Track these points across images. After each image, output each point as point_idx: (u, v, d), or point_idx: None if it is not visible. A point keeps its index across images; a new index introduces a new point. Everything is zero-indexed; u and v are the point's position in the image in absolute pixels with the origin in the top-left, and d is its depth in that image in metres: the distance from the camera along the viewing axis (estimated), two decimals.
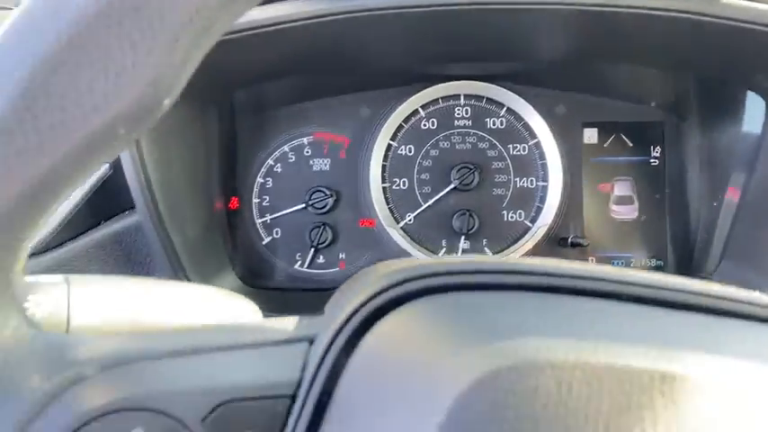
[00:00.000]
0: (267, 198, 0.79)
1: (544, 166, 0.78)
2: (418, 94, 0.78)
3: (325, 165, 0.79)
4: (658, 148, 0.79)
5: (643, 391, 0.20)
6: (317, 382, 0.24)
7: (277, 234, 0.79)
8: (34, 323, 0.25)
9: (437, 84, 0.78)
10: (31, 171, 0.21)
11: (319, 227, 0.77)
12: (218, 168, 0.73)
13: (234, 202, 0.78)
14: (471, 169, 0.77)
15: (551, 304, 0.25)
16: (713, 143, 0.74)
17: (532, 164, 0.78)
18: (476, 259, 0.28)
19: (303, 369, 0.25)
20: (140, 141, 0.54)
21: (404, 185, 0.79)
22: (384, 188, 0.78)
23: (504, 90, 0.78)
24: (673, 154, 0.78)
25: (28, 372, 0.24)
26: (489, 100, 0.79)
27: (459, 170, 0.77)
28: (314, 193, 0.77)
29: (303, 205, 0.78)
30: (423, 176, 0.79)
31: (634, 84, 0.78)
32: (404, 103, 0.78)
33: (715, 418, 0.20)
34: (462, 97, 0.79)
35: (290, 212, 0.78)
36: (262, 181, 0.78)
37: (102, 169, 0.59)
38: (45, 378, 0.24)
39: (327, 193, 0.77)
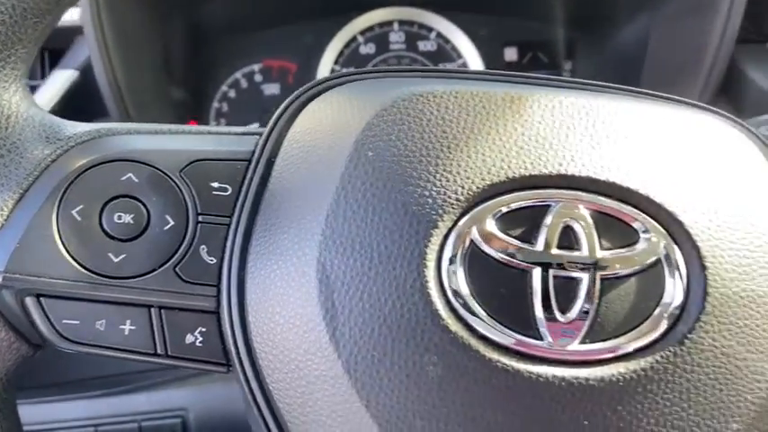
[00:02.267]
0: (223, 121, 0.86)
1: None
2: (356, 21, 0.87)
3: (276, 90, 0.87)
4: (570, 63, 0.89)
5: (497, 106, 0.29)
6: (265, 151, 0.32)
7: None
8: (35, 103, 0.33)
9: (373, 11, 0.87)
10: None
11: None
12: (183, 88, 0.81)
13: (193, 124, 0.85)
14: None
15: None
16: (615, 54, 0.84)
17: None
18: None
19: (256, 144, 0.33)
20: (108, 45, 0.61)
21: None
22: None
23: (434, 15, 0.87)
24: (583, 67, 0.88)
25: (29, 143, 0.31)
26: (421, 25, 0.88)
27: None
28: (264, 114, 0.86)
29: (257, 125, 0.86)
30: None
31: (547, 6, 0.89)
32: (343, 30, 0.86)
33: (562, 126, 0.29)
34: (396, 23, 0.88)
35: None
36: (217, 106, 0.86)
37: (71, 75, 0.65)
38: (44, 148, 0.31)
39: None
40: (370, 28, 0.87)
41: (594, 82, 0.33)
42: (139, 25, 0.67)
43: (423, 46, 0.88)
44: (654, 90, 0.34)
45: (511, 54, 0.89)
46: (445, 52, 0.88)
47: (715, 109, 0.34)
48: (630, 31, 0.78)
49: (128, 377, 0.61)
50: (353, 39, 0.87)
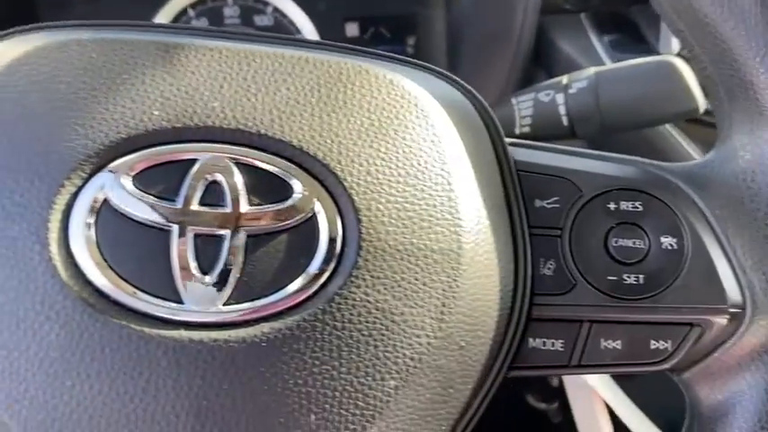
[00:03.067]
0: None
1: None
2: None
3: None
4: (414, 38, 0.89)
5: (147, 55, 0.27)
6: None
7: None
8: None
9: None
10: None
11: None
12: None
13: None
14: None
15: None
16: (452, 29, 0.84)
17: None
18: None
19: None
20: None
21: None
22: None
23: None
24: (424, 42, 0.88)
25: None
26: None
27: None
28: None
29: None
30: None
31: None
32: (170, 4, 0.83)
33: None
34: None
35: None
36: None
37: None
38: None
39: None
40: (202, 1, 0.84)
41: (293, 37, 0.31)
42: None
43: (259, 21, 0.85)
44: (473, 61, 0.33)
45: (352, 29, 0.88)
46: (283, 27, 0.85)
47: (439, 70, 0.34)
48: (464, 5, 0.78)
49: None
50: (184, 12, 0.83)
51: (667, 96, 0.47)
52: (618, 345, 0.31)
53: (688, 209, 0.32)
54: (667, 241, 0.31)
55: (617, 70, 0.48)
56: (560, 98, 0.48)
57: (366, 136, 0.27)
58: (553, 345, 0.31)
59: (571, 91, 0.48)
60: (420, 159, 0.28)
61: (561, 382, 0.75)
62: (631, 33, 0.69)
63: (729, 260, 0.31)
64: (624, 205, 0.32)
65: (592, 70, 0.49)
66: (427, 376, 0.27)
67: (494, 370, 0.30)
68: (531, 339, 0.31)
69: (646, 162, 0.34)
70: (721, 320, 0.31)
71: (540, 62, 0.68)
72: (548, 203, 0.32)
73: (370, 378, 0.26)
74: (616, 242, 0.31)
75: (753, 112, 0.32)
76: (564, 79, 0.49)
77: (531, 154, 0.34)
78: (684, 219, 0.31)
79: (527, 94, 0.50)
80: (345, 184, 0.26)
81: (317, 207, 0.26)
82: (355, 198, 0.26)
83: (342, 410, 0.25)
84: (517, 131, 0.50)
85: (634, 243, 0.31)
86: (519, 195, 0.32)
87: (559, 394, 0.77)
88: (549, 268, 0.32)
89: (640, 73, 0.47)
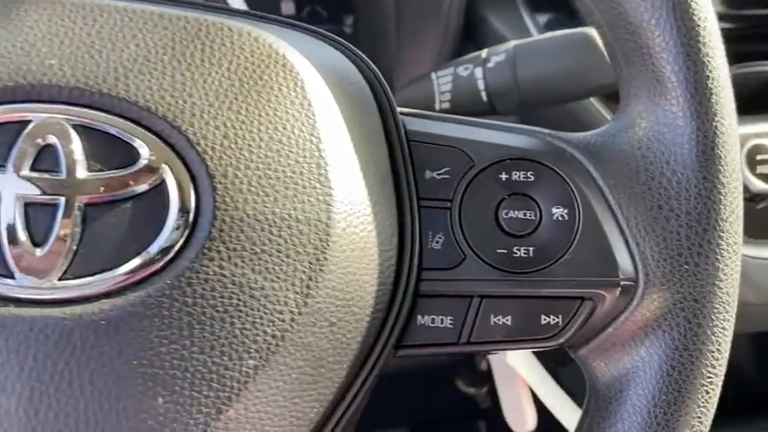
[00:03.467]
0: None
1: None
2: None
3: None
4: (351, 17, 0.87)
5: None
6: None
7: None
8: None
9: None
10: None
11: None
12: None
13: None
14: None
15: None
16: (388, 7, 0.82)
17: None
18: None
19: None
20: None
21: None
22: None
23: None
24: (361, 21, 0.86)
25: None
26: None
27: None
28: None
29: None
30: None
31: None
32: None
33: None
34: None
35: None
36: None
37: None
38: None
39: None
40: None
41: None
42: None
43: None
44: (408, 38, 0.31)
45: (288, 7, 0.85)
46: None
47: (327, 34, 0.32)
48: None
49: None
50: None
51: (587, 69, 0.46)
52: (508, 320, 0.30)
53: (581, 179, 0.30)
54: (558, 212, 0.30)
55: (535, 43, 0.47)
56: (479, 72, 0.47)
57: (225, 97, 0.25)
58: (442, 322, 0.30)
59: (489, 65, 0.47)
60: (286, 123, 0.26)
61: (489, 365, 0.74)
62: (566, 12, 0.68)
63: (622, 231, 0.30)
64: (516, 175, 0.30)
65: (511, 44, 0.47)
66: (292, 355, 0.25)
67: (376, 348, 0.29)
68: (419, 317, 0.30)
69: (544, 132, 0.32)
70: (613, 294, 0.29)
71: (473, 39, 0.66)
72: (438, 174, 0.31)
73: (225, 358, 0.24)
74: (507, 214, 0.30)
75: (649, 79, 0.30)
76: (483, 53, 0.48)
77: (424, 124, 0.32)
78: (577, 189, 0.30)
79: (447, 68, 0.49)
80: (198, 148, 0.24)
81: (167, 173, 0.24)
82: (209, 164, 0.24)
83: (194, 393, 0.23)
84: (437, 108, 0.49)
85: (525, 214, 0.30)
86: (408, 166, 0.30)
87: (489, 378, 0.76)
88: (437, 242, 0.30)
89: (558, 45, 0.46)
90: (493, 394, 0.75)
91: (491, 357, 0.70)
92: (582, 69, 0.46)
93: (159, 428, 0.23)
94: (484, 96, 0.47)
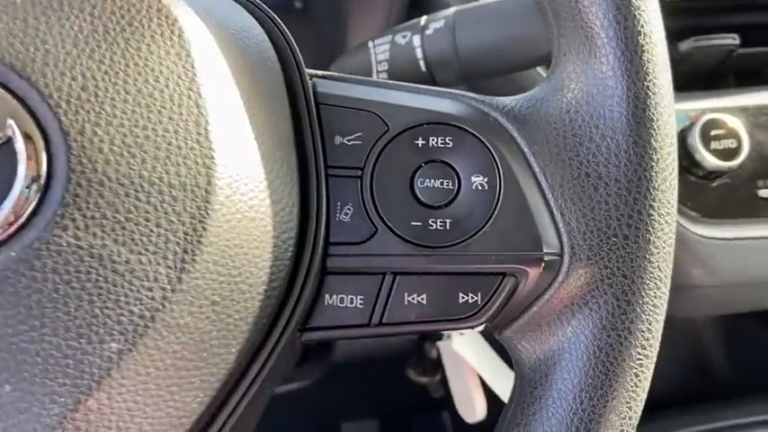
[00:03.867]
0: None
1: None
2: None
3: None
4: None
5: None
6: None
7: None
8: None
9: None
10: None
11: None
12: None
13: None
14: None
15: None
16: None
17: None
18: None
19: None
20: None
21: None
22: None
23: None
24: (318, 3, 0.83)
25: None
26: None
27: None
28: None
29: None
30: None
31: None
32: None
33: None
34: None
35: None
36: None
37: None
38: None
39: None
40: None
41: None
42: None
43: None
44: (357, 7, 0.28)
45: None
46: None
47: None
48: None
49: None
50: None
51: (531, 37, 0.43)
52: (423, 299, 0.27)
53: (504, 145, 0.28)
54: (478, 181, 0.27)
55: (477, 9, 0.44)
56: (417, 40, 0.44)
57: (85, 44, 0.22)
58: (352, 301, 0.27)
59: (428, 32, 0.44)
60: (160, 75, 0.23)
61: (439, 353, 0.72)
62: None
63: (547, 202, 0.27)
64: (433, 141, 0.28)
65: (452, 9, 0.45)
66: (165, 338, 0.22)
67: (275, 331, 0.26)
68: (327, 296, 0.27)
69: (467, 96, 0.30)
70: (537, 269, 0.27)
71: (419, 6, 0.64)
72: (349, 140, 0.28)
73: (83, 341, 0.21)
74: (422, 183, 0.27)
75: (579, 36, 0.28)
76: (422, 20, 0.45)
77: (336, 86, 0.29)
78: (499, 156, 0.28)
79: (385, 36, 0.46)
80: (51, 101, 0.21)
81: (13, 130, 0.21)
82: (63, 119, 0.21)
83: (47, 380, 0.20)
84: (375, 78, 0.46)
85: (442, 184, 0.27)
86: (315, 130, 0.28)
87: (440, 366, 0.74)
88: (346, 213, 0.27)
89: (501, 12, 0.43)
90: (446, 383, 0.73)
91: (440, 344, 0.68)
92: (526, 37, 0.43)
93: (5, 419, 0.20)
94: (422, 66, 0.44)
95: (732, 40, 0.53)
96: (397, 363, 0.82)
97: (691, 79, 0.55)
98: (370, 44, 0.46)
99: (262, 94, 0.26)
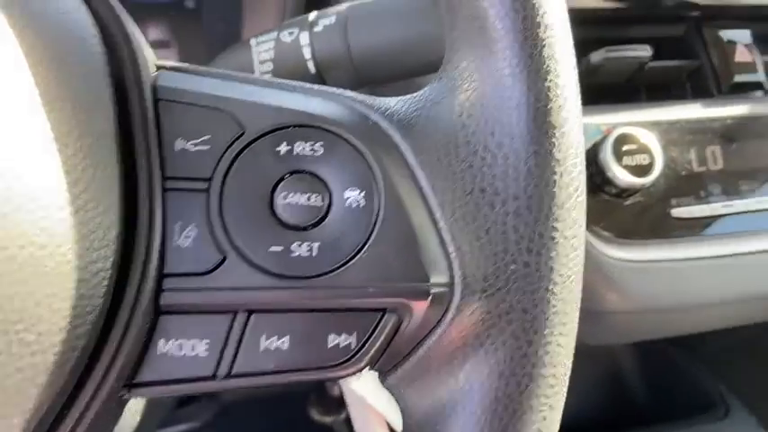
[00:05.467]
0: None
1: None
2: None
3: None
4: None
5: None
6: None
7: None
8: None
9: None
10: None
11: None
12: None
13: None
14: None
15: None
16: None
17: None
18: None
19: None
20: None
21: None
22: None
23: None
24: None
25: None
26: None
27: None
28: None
29: None
30: None
31: None
32: None
33: None
34: None
35: None
36: None
37: None
38: None
39: None
40: None
41: None
42: None
43: None
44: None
45: None
46: None
47: None
48: None
49: None
50: None
51: (433, 37, 0.39)
52: (284, 343, 0.22)
53: (385, 154, 0.23)
54: (353, 196, 0.22)
55: (372, 4, 0.39)
56: (304, 38, 0.39)
57: None
58: (194, 348, 0.22)
59: (317, 29, 0.39)
60: None
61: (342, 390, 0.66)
62: None
63: (435, 222, 0.23)
64: (300, 148, 0.23)
65: (345, 5, 0.40)
66: None
67: (85, 390, 0.20)
68: (161, 342, 0.22)
69: (345, 95, 0.25)
70: (422, 304, 0.22)
71: (318, 4, 0.59)
72: (194, 144, 0.22)
73: None
74: (285, 198, 0.22)
75: (473, 28, 0.23)
76: (312, 15, 0.40)
77: (185, 79, 0.24)
78: (379, 166, 0.23)
79: (270, 33, 0.40)
80: None
81: None
82: None
83: None
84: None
85: (309, 199, 0.22)
86: (151, 131, 0.22)
87: (344, 404, 0.69)
88: (187, 237, 0.22)
89: (398, 8, 0.39)
90: (350, 423, 0.67)
91: (341, 381, 0.62)
92: (429, 36, 0.39)
93: None
94: (311, 67, 0.39)
95: (645, 51, 0.51)
96: (299, 401, 0.76)
97: (602, 92, 0.52)
98: (253, 41, 0.40)
99: (66, 82, 0.20)
